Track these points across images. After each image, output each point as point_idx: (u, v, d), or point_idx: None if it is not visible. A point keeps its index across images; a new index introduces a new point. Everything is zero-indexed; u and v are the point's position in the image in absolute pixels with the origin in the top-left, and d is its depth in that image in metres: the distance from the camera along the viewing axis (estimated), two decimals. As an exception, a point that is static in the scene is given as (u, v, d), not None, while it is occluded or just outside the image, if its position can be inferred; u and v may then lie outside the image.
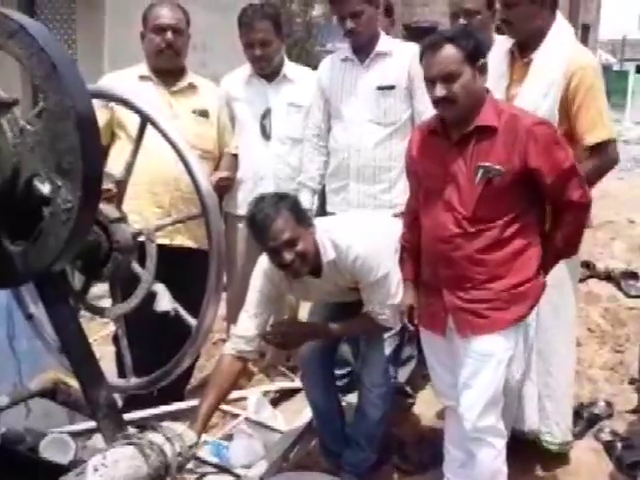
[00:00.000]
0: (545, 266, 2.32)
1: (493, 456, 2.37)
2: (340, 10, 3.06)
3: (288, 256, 2.32)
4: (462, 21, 2.97)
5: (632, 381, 3.43)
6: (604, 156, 2.52)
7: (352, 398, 3.34)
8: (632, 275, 4.46)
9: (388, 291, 2.51)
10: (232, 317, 3.62)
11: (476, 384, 2.30)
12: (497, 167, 2.16)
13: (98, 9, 6.68)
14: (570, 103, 2.52)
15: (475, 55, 2.17)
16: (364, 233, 2.56)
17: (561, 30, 2.62)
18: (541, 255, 2.30)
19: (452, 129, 2.26)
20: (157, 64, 3.10)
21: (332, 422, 2.86)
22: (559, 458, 2.85)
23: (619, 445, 2.91)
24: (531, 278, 2.27)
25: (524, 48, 2.63)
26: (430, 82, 2.23)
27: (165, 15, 3.07)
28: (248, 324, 2.52)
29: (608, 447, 2.94)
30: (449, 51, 2.16)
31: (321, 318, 2.78)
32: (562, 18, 2.68)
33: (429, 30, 4.51)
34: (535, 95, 2.53)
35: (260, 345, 2.64)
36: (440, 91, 2.19)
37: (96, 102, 1.54)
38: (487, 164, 2.17)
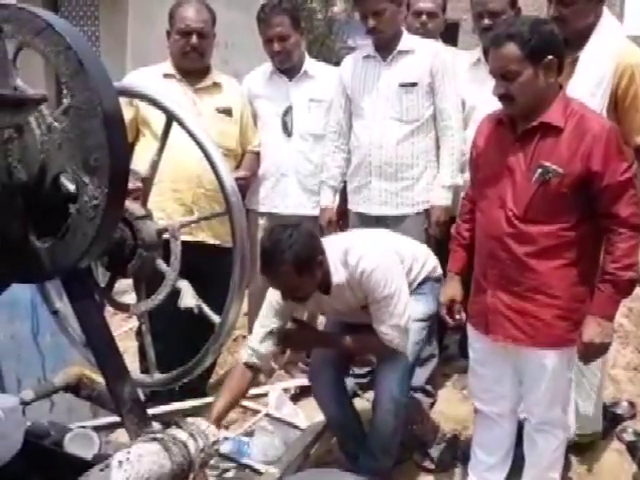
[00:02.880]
0: (600, 299, 2.15)
1: (555, 446, 2.40)
2: (363, 8, 3.06)
3: (290, 297, 2.41)
4: (487, 22, 2.96)
5: (656, 381, 3.41)
6: None
7: (372, 395, 3.36)
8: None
9: (394, 310, 2.46)
10: (254, 312, 3.63)
11: (541, 386, 2.30)
12: (557, 168, 2.10)
13: (121, 7, 6.73)
14: (620, 101, 2.49)
15: (538, 53, 2.09)
16: (376, 248, 2.53)
17: (608, 27, 2.58)
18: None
19: (518, 122, 2.21)
20: (181, 65, 3.12)
21: (347, 429, 2.83)
22: (582, 458, 2.83)
23: (642, 446, 2.89)
24: (584, 300, 2.18)
25: (569, 46, 2.59)
26: (493, 76, 2.19)
27: (191, 18, 3.07)
28: (261, 338, 2.53)
29: (631, 447, 2.92)
30: (509, 49, 2.10)
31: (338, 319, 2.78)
32: (609, 14, 2.64)
33: (451, 27, 4.46)
34: (583, 93, 2.46)
35: (271, 359, 2.70)
36: (498, 89, 2.17)
37: (121, 99, 1.55)
38: (547, 164, 2.12)
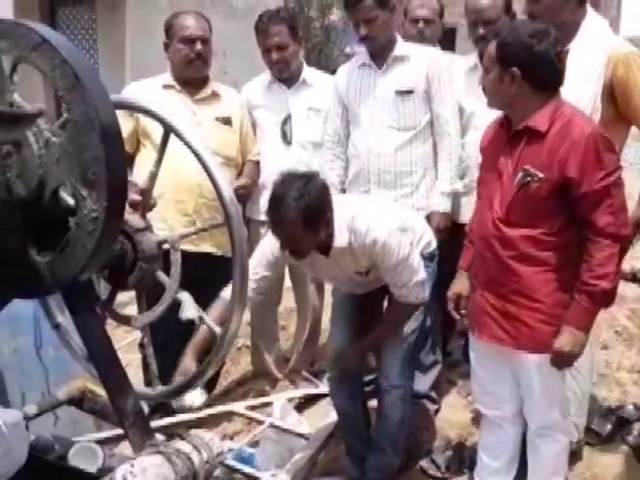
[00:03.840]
0: (575, 309, 2.14)
1: (557, 451, 2.40)
2: (354, 16, 3.07)
3: (289, 249, 2.37)
4: (481, 31, 2.97)
5: (661, 383, 3.39)
6: None
7: (375, 402, 3.36)
8: (658, 275, 4.39)
9: (412, 270, 2.49)
10: (256, 322, 3.63)
11: (534, 390, 2.30)
12: (536, 172, 2.11)
13: (119, 19, 6.76)
14: (619, 89, 2.52)
15: (506, 60, 2.13)
16: (382, 216, 2.53)
17: (595, 22, 2.61)
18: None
19: (512, 125, 2.23)
20: (186, 74, 3.14)
21: (357, 427, 2.86)
22: (587, 462, 2.82)
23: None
24: (568, 306, 2.16)
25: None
26: None
27: (193, 26, 3.11)
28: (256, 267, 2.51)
29: (636, 451, 2.91)
30: (490, 46, 2.19)
31: (343, 326, 2.78)
32: (594, 12, 2.67)
33: (448, 32, 4.47)
34: (576, 84, 2.46)
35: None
36: (481, 80, 2.27)
37: (121, 111, 1.56)
38: (528, 167, 2.13)
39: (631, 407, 3.15)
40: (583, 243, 2.12)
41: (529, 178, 2.12)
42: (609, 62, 2.51)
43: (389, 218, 2.53)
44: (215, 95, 3.22)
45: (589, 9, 2.65)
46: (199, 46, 3.10)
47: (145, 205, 1.91)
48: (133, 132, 3.05)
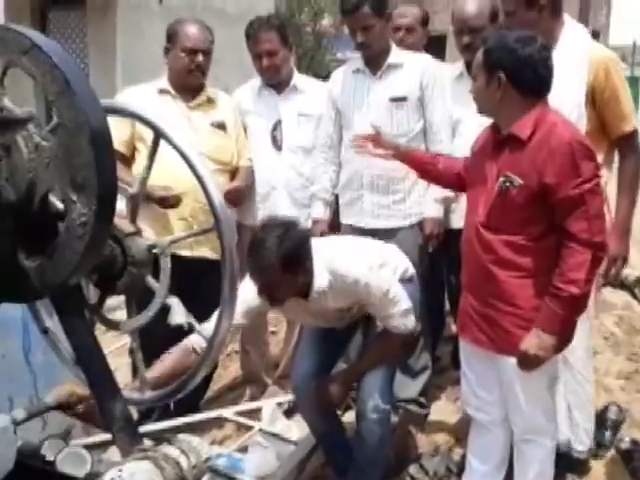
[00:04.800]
0: (544, 312, 2.15)
1: (542, 456, 2.41)
2: (351, 24, 3.09)
3: (266, 295, 2.33)
4: (466, 39, 2.99)
5: (648, 389, 3.42)
6: (636, 147, 2.57)
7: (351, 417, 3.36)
8: (646, 282, 4.44)
9: (397, 299, 2.49)
10: (246, 328, 3.63)
11: (517, 394, 2.31)
12: (516, 178, 2.14)
13: (109, 24, 6.76)
14: (598, 95, 2.55)
15: (491, 65, 2.17)
16: (361, 255, 2.55)
17: (573, 31, 2.64)
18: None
19: (501, 132, 2.26)
20: (183, 82, 3.16)
21: (333, 443, 2.84)
22: (579, 468, 2.83)
23: (636, 455, 2.89)
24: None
25: None
26: None
27: (198, 38, 3.13)
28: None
29: (625, 456, 2.92)
30: (478, 53, 2.24)
31: (310, 354, 2.78)
32: (572, 21, 2.70)
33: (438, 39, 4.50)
34: (559, 91, 2.46)
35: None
36: (471, 88, 2.32)
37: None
38: (509, 173, 2.16)
39: (615, 408, 3.17)
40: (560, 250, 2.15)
41: (509, 184, 2.15)
42: (590, 68, 2.54)
43: (368, 256, 2.55)
44: (210, 101, 3.23)
45: (567, 18, 2.68)
46: (200, 58, 3.12)
47: (134, 210, 1.91)
48: (131, 136, 3.05)
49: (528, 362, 2.19)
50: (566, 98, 2.48)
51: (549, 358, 2.19)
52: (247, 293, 2.38)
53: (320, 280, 2.41)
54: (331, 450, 2.86)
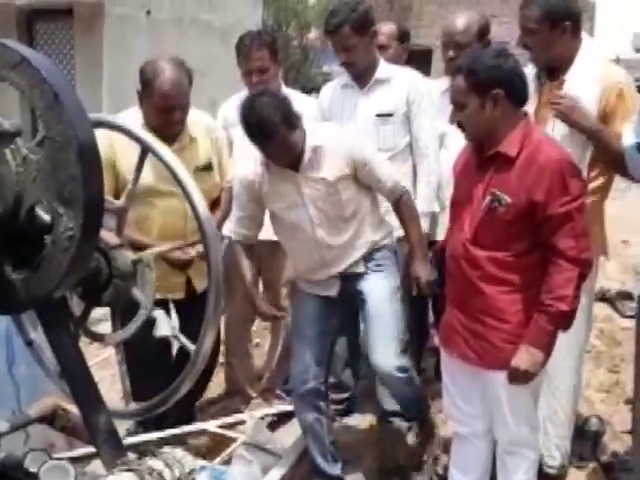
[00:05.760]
0: (533, 328, 2.18)
1: (525, 468, 2.41)
2: (333, 43, 3.13)
3: (288, 160, 2.57)
4: (451, 53, 3.02)
5: (628, 401, 3.44)
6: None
7: (351, 420, 3.36)
8: (627, 295, 4.48)
9: (389, 168, 2.75)
10: (231, 338, 3.63)
11: (503, 407, 2.33)
12: (505, 197, 2.16)
13: (96, 37, 6.75)
14: (608, 117, 2.55)
15: (483, 86, 2.16)
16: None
17: (589, 51, 2.64)
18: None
19: (484, 149, 2.27)
20: (160, 132, 2.70)
21: (321, 441, 2.87)
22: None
23: (617, 467, 2.92)
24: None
25: (552, 72, 2.65)
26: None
27: (173, 96, 2.77)
28: (239, 218, 2.77)
29: (606, 468, 2.95)
30: (457, 81, 2.21)
31: (306, 347, 2.81)
32: (590, 42, 2.71)
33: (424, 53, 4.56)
34: None
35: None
36: (452, 117, 2.28)
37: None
38: (497, 192, 2.18)
39: (595, 420, 3.19)
40: (546, 265, 2.17)
41: (497, 202, 2.17)
42: (603, 92, 2.54)
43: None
44: (192, 141, 2.97)
45: (585, 38, 2.68)
46: (177, 115, 2.82)
47: (121, 223, 1.92)
48: (115, 189, 2.95)
49: (519, 378, 2.22)
50: None
51: (539, 372, 2.22)
52: (239, 193, 2.72)
53: (313, 138, 2.60)
54: (318, 453, 2.88)
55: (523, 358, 2.18)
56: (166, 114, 2.79)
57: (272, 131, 2.45)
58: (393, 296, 2.74)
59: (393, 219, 3.00)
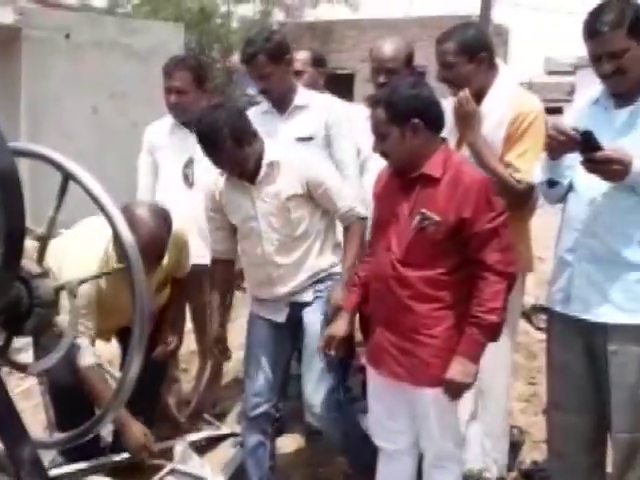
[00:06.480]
0: (466, 341, 2.27)
1: None
2: (250, 72, 3.20)
3: (237, 173, 2.67)
4: (382, 79, 3.12)
5: (545, 411, 3.57)
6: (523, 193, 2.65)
7: (280, 441, 3.38)
8: (541, 309, 4.62)
9: (342, 186, 2.79)
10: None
11: (431, 423, 2.40)
12: (434, 216, 2.25)
13: (14, 61, 6.57)
14: (514, 139, 2.67)
15: (401, 116, 2.26)
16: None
17: (504, 81, 2.75)
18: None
19: (407, 173, 2.34)
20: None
21: (262, 466, 2.88)
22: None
23: (536, 475, 3.03)
24: (459, 341, 2.29)
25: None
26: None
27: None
28: (210, 231, 2.91)
29: (526, 477, 3.06)
30: (378, 113, 2.31)
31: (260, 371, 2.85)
32: (506, 69, 2.83)
33: (347, 77, 4.67)
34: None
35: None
36: (375, 147, 2.37)
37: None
38: (425, 211, 2.26)
39: (515, 431, 3.32)
40: (474, 280, 2.27)
41: (427, 221, 2.26)
42: (514, 120, 2.65)
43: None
44: None
45: (502, 67, 2.80)
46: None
47: (42, 251, 1.90)
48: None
49: (455, 390, 2.30)
50: (490, 145, 2.65)
51: (473, 384, 2.31)
52: (207, 206, 2.85)
53: (272, 153, 2.68)
54: (253, 475, 2.90)
55: (457, 370, 2.26)
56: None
57: (218, 144, 2.56)
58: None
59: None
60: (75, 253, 2.64)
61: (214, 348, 2.96)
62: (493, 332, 2.29)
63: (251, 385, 2.87)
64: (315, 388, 2.76)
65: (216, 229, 2.86)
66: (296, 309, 2.81)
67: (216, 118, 2.57)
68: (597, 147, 2.12)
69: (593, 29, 2.23)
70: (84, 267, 2.45)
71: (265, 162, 2.67)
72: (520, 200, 2.67)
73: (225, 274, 2.92)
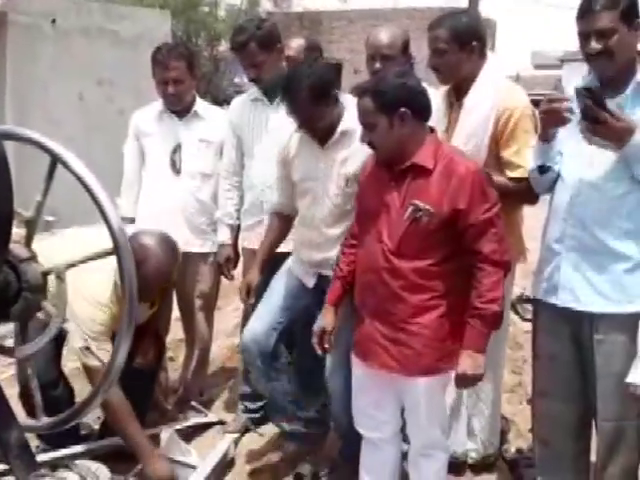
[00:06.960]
0: (470, 333, 2.27)
1: (437, 468, 2.52)
2: (241, 60, 3.19)
3: (305, 126, 2.65)
4: (378, 65, 3.11)
5: (530, 401, 3.60)
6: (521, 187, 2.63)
7: (265, 429, 3.39)
8: (527, 300, 4.65)
9: None
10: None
11: (420, 412, 2.41)
12: (427, 206, 2.24)
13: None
14: (498, 140, 2.66)
15: (390, 105, 2.24)
16: None
17: (491, 73, 2.74)
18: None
19: (395, 164, 2.32)
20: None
21: (283, 396, 2.98)
22: (465, 477, 2.98)
23: (521, 463, 3.06)
24: (451, 330, 2.31)
25: (459, 93, 2.76)
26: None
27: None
28: (282, 191, 2.91)
29: (511, 464, 3.09)
30: (365, 102, 2.29)
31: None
32: (495, 60, 2.82)
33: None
34: (462, 136, 2.67)
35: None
36: (363, 137, 2.34)
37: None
38: (418, 202, 2.25)
39: (501, 420, 3.34)
40: (470, 271, 2.27)
41: (420, 212, 2.25)
42: (497, 118, 2.65)
43: None
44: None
45: (491, 57, 2.79)
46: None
47: (30, 235, 1.89)
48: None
49: (467, 382, 2.33)
50: (467, 142, 2.65)
51: (483, 374, 2.33)
52: (278, 172, 2.86)
53: (349, 123, 2.60)
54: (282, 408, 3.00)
55: (467, 363, 2.27)
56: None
57: (294, 92, 2.56)
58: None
59: None
60: (86, 292, 2.51)
61: (243, 290, 2.97)
62: (495, 321, 2.30)
63: (253, 319, 2.90)
64: (333, 370, 2.77)
65: (283, 178, 2.87)
66: (323, 282, 2.80)
67: (305, 69, 2.60)
68: (602, 104, 2.10)
69: (587, 7, 2.23)
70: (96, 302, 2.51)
71: (340, 129, 2.65)
72: (529, 194, 2.63)
73: (280, 227, 2.96)
